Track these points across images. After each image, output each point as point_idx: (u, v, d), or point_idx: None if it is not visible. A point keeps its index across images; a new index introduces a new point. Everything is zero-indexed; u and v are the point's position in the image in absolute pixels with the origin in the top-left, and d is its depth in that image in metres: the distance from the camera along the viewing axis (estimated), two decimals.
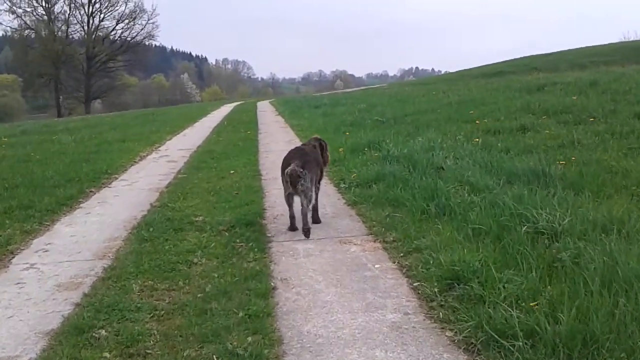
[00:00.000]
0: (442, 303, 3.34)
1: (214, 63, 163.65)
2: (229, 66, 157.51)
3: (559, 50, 53.82)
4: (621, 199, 4.83)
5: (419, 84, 41.10)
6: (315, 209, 5.27)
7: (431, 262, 3.86)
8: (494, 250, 3.92)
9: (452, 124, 10.57)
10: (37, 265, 4.50)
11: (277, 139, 12.38)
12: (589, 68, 26.34)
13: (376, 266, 4.07)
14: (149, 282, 3.94)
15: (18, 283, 4.10)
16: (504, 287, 3.26)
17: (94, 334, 3.15)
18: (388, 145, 8.18)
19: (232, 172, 8.18)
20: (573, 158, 6.47)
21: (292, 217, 5.14)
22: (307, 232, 4.87)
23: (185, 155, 10.57)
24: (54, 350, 3.02)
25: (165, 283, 3.91)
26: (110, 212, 6.16)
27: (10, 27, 59.58)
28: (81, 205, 6.60)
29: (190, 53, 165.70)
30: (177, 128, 16.57)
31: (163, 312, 3.43)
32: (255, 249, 4.52)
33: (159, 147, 12.14)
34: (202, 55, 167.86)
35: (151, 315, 3.39)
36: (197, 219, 5.57)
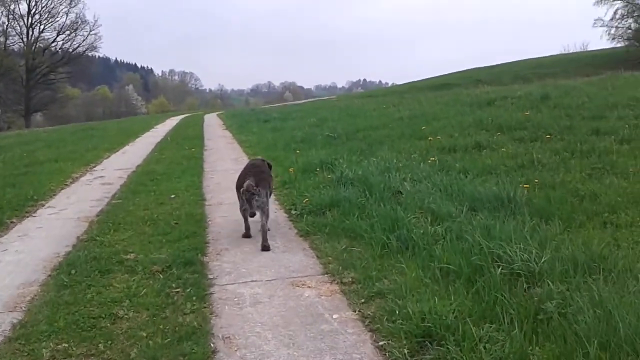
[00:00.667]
0: None
1: (160, 74, 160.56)
2: (176, 77, 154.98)
3: (502, 62, 55.33)
4: (595, 229, 4.48)
5: (368, 96, 41.20)
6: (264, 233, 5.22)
7: (397, 311, 3.35)
8: (466, 295, 3.46)
9: (406, 141, 10.22)
10: None
11: (223, 156, 11.72)
12: (532, 80, 26.82)
13: (334, 316, 3.53)
14: (63, 344, 3.27)
15: None
16: (484, 348, 2.78)
17: None
18: (341, 166, 7.68)
19: (173, 196, 7.50)
20: (536, 180, 6.15)
21: (247, 228, 5.55)
22: (266, 249, 5.04)
23: (122, 176, 9.78)
24: None
25: (83, 346, 3.24)
26: (30, 249, 5.38)
27: None
28: None
29: (136, 64, 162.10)
30: (116, 145, 15.61)
31: None
32: (194, 297, 3.90)
33: (95, 167, 11.26)
34: (147, 67, 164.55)
35: None
36: (128, 256, 4.89)
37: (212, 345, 3.21)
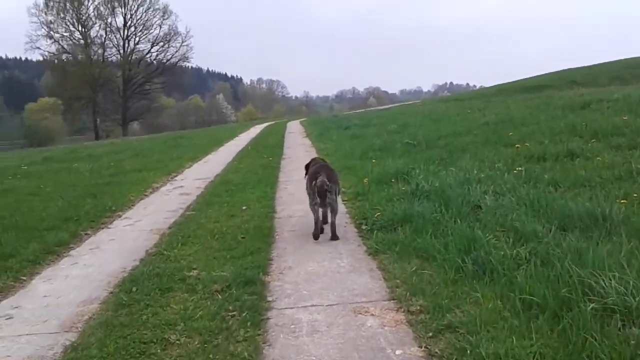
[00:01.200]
0: None
1: (248, 83, 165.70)
2: (264, 86, 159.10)
3: (597, 62, 52.03)
4: None
5: (454, 100, 39.96)
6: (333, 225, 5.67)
7: (469, 351, 2.94)
8: (550, 334, 2.99)
9: (490, 148, 9.57)
10: None
11: (300, 166, 11.48)
12: (631, 82, 24.83)
13: (397, 352, 3.16)
14: None
15: None
16: None
17: None
18: (418, 177, 7.25)
19: (244, 208, 7.39)
20: (635, 195, 5.43)
21: (317, 225, 5.73)
22: (335, 238, 5.58)
23: (200, 186, 9.85)
24: None
25: None
26: (98, 263, 5.41)
27: (48, 52, 60.80)
28: (70, 252, 5.89)
29: (226, 74, 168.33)
30: (200, 154, 15.95)
31: None
32: (249, 322, 3.66)
33: (176, 176, 11.48)
34: (237, 76, 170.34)
35: None
36: (190, 273, 4.77)
37: None
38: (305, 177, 6.30)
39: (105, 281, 4.82)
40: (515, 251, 4.25)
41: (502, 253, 4.23)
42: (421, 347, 3.18)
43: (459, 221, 5.15)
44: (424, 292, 3.90)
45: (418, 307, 3.70)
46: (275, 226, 6.38)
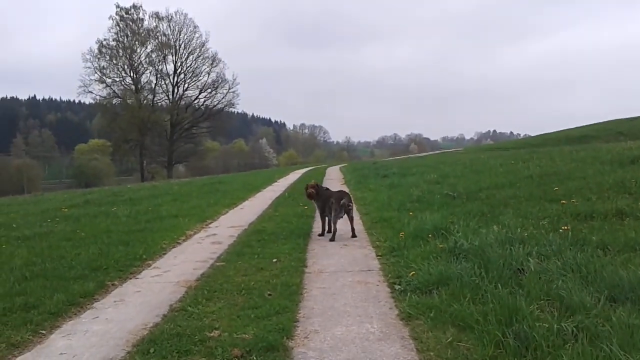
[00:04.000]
0: None
1: (291, 128, 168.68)
2: (306, 131, 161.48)
3: None
4: None
5: (497, 149, 39.39)
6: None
7: None
8: None
9: (534, 203, 9.14)
10: None
11: None
12: None
13: None
14: None
15: None
16: None
17: None
18: (456, 234, 6.91)
19: (274, 260, 7.18)
20: None
21: (336, 231, 8.69)
22: (353, 233, 8.73)
23: (233, 234, 9.71)
24: None
25: None
26: (120, 318, 5.23)
27: (100, 96, 63.17)
28: (94, 304, 5.74)
29: (270, 119, 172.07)
30: (237, 200, 15.92)
31: None
32: None
33: (211, 223, 11.39)
34: (280, 121, 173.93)
35: None
36: (211, 334, 4.53)
37: None
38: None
39: (124, 339, 4.62)
40: (561, 325, 3.87)
41: (547, 326, 3.86)
42: None
43: (499, 286, 4.79)
44: None
45: None
46: (304, 283, 6.11)
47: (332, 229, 8.66)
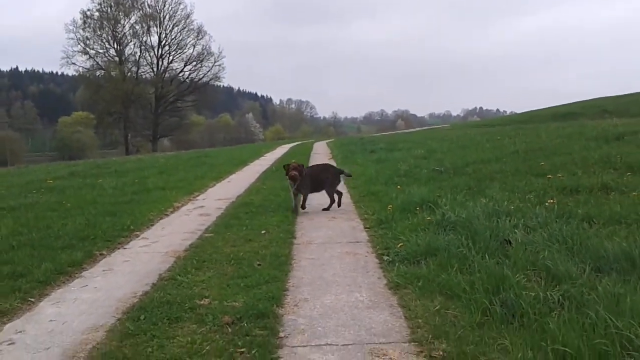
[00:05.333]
0: None
1: (278, 103, 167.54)
2: (293, 106, 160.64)
3: (629, 92, 51.09)
4: None
5: (483, 125, 39.53)
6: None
7: None
8: None
9: (521, 178, 9.23)
10: None
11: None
12: None
13: None
14: None
15: None
16: None
17: None
18: (444, 207, 6.97)
19: (263, 231, 7.20)
20: None
21: (341, 195, 9.16)
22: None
23: (221, 206, 9.70)
24: None
25: None
26: (109, 286, 5.23)
27: (83, 67, 62.14)
28: (83, 273, 5.74)
29: (256, 93, 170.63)
30: (224, 173, 15.88)
31: None
32: None
33: (198, 195, 11.37)
34: (267, 96, 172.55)
35: None
36: (201, 302, 4.56)
37: None
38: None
39: (114, 307, 4.63)
40: (547, 294, 3.94)
41: (534, 295, 3.93)
42: None
43: (486, 257, 4.85)
44: (447, 334, 3.62)
45: (441, 352, 3.42)
46: (293, 253, 6.15)
47: (332, 200, 9.02)
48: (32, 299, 4.91)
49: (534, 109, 56.91)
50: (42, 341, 3.99)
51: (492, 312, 3.82)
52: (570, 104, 53.36)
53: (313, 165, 9.85)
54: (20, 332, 4.20)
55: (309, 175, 8.86)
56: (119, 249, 6.77)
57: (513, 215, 6.31)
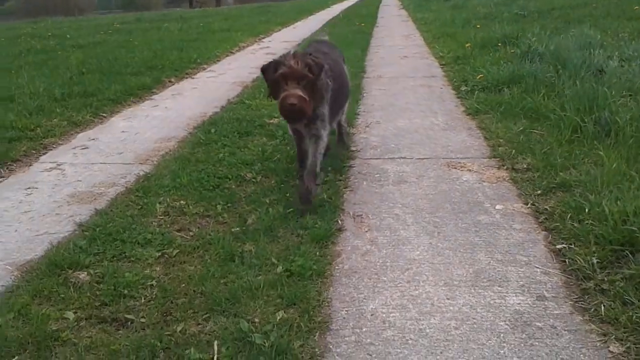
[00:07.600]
0: (605, 287, 1.99)
1: None
2: None
3: None
4: None
5: None
6: None
7: (587, 209, 2.46)
8: None
9: (612, 21, 8.36)
10: (63, 165, 3.68)
11: (393, 33, 10.76)
12: None
13: (497, 207, 2.74)
14: (181, 201, 2.93)
15: (29, 188, 3.30)
16: None
17: (70, 278, 2.21)
18: (529, 40, 6.40)
19: None
20: None
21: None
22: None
23: (287, 47, 9.34)
24: (9, 297, 2.12)
25: (200, 205, 2.88)
26: (179, 107, 5.22)
27: None
28: (153, 96, 5.75)
29: None
30: (289, 20, 15.34)
31: (178, 252, 2.40)
32: (330, 167, 3.31)
33: (263, 38, 11.06)
34: None
35: (160, 254, 2.39)
36: (271, 121, 4.45)
37: (339, 222, 2.65)
38: None
39: (185, 123, 4.63)
40: None
41: (630, 115, 3.56)
42: (527, 204, 2.73)
43: (578, 83, 4.43)
44: (532, 150, 3.37)
45: (525, 165, 3.20)
46: (363, 85, 5.89)
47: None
48: (104, 115, 4.98)
49: None
50: (115, 147, 4.05)
51: (584, 131, 3.51)
52: None
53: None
54: (94, 139, 4.28)
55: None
56: (186, 78, 6.72)
57: (607, 49, 5.72)
